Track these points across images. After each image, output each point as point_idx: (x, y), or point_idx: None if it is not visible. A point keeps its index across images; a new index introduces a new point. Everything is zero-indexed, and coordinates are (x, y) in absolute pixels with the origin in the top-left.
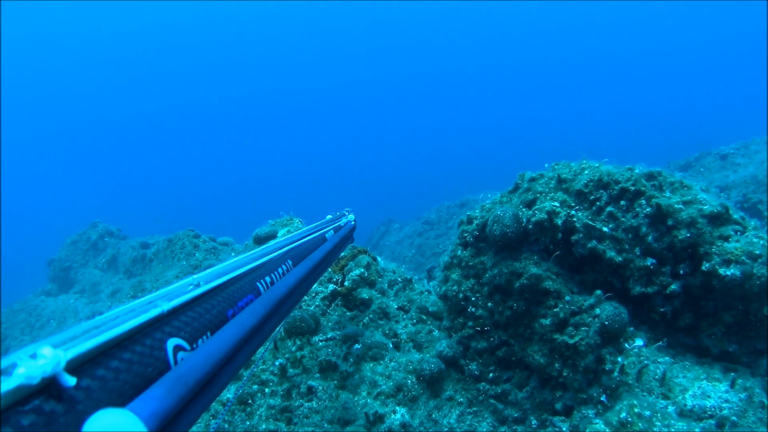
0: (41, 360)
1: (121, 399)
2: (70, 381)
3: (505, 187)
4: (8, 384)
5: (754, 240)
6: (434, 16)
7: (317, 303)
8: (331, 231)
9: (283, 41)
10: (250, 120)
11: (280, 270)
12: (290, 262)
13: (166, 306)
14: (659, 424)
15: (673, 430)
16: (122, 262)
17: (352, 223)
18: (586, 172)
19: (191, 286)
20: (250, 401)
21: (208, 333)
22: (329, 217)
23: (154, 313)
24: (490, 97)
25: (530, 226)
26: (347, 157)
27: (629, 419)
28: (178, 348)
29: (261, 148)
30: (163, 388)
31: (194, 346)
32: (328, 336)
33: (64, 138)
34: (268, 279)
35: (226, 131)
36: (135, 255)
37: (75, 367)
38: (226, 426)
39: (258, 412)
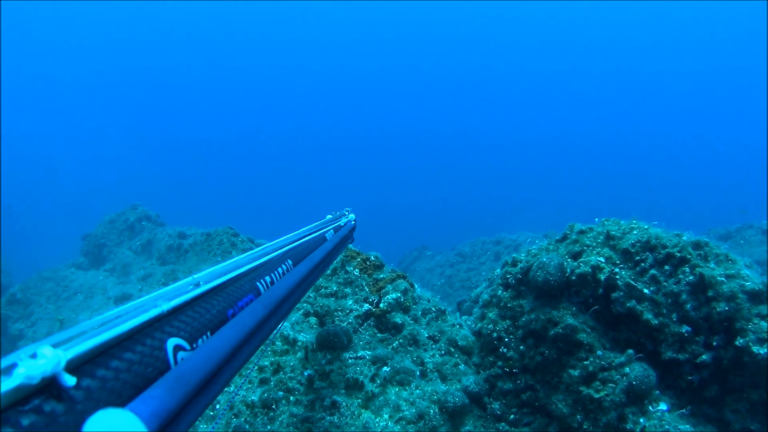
0: (41, 360)
1: (121, 399)
2: (70, 381)
3: (540, 227)
4: (8, 384)
5: None
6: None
7: (350, 320)
8: (331, 231)
9: (322, 47)
10: (294, 127)
11: (280, 270)
12: (290, 262)
13: (166, 306)
14: None
15: None
16: (157, 248)
17: (352, 222)
18: (634, 232)
19: (191, 286)
20: (273, 406)
21: (208, 333)
22: (329, 216)
23: (154, 312)
24: (529, 139)
25: (573, 278)
26: (387, 178)
27: None
28: (178, 348)
29: (305, 158)
30: (163, 388)
31: (194, 345)
32: (359, 354)
33: (109, 118)
34: (268, 279)
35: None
36: (171, 243)
37: (75, 367)
38: (247, 426)
39: (280, 419)
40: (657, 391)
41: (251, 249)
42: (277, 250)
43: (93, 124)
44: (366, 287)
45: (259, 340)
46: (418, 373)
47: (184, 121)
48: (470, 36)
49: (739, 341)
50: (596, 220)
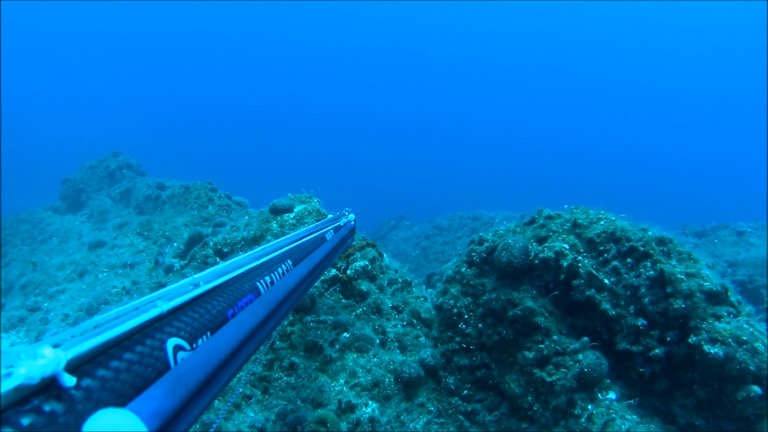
0: (41, 360)
1: (121, 399)
2: (70, 381)
3: (519, 207)
4: (8, 384)
5: (745, 326)
6: (473, 16)
7: (316, 284)
8: (331, 231)
9: (310, 37)
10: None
11: (280, 270)
12: (290, 262)
13: (165, 306)
14: None
15: None
16: (135, 197)
17: (352, 223)
18: (601, 222)
19: (191, 286)
20: None
21: (208, 333)
22: (330, 216)
23: (154, 313)
24: (519, 116)
25: (536, 261)
26: (369, 148)
27: None
28: (178, 348)
29: (289, 129)
30: (164, 388)
31: (194, 346)
32: (321, 318)
33: (97, 67)
34: (268, 279)
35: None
36: (149, 193)
37: (75, 367)
38: None
39: (238, 375)
40: (608, 380)
41: (227, 205)
42: (277, 250)
43: (78, 69)
44: None
45: (259, 341)
46: (377, 341)
47: (171, 72)
48: (457, 17)
49: (692, 339)
50: (565, 206)
